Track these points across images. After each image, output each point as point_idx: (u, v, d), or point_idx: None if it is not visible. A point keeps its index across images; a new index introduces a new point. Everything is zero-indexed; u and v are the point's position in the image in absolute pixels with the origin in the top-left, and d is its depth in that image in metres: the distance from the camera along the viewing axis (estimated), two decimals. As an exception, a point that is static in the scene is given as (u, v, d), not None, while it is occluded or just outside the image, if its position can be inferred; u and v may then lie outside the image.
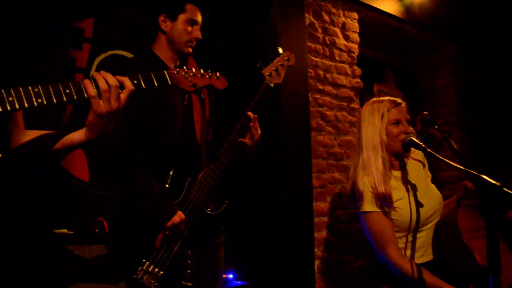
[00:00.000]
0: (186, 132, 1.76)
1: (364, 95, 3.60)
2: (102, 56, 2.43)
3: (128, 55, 2.50)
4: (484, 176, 1.40)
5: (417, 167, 2.26)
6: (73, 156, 2.18)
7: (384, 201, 2.03)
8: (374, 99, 2.24)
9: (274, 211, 2.76)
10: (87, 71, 2.37)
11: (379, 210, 2.05)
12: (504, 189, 1.32)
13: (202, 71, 1.66)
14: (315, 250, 2.87)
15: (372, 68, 4.07)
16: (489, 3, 4.04)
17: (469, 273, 1.87)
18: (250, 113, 1.76)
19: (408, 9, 3.79)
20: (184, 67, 1.59)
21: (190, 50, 1.84)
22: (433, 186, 2.23)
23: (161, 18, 1.84)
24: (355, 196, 2.11)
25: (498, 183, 1.35)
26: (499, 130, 4.64)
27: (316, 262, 2.86)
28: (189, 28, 1.81)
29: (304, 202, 2.83)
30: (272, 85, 1.86)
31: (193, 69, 1.62)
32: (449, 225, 1.97)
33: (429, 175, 2.27)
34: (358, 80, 3.31)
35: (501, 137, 4.63)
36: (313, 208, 2.86)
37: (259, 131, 1.78)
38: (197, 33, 1.84)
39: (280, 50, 1.93)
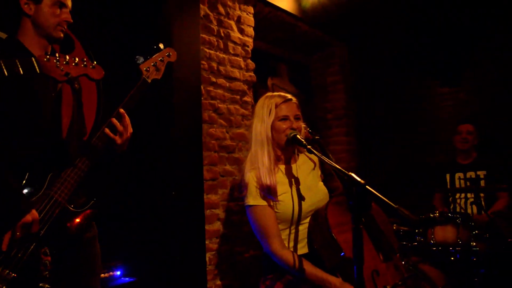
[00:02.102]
0: (51, 126, 1.64)
1: (258, 88, 3.66)
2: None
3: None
4: (352, 174, 1.49)
5: (308, 163, 2.36)
6: None
7: (269, 193, 2.11)
8: (267, 94, 2.30)
9: (165, 205, 2.71)
10: None
11: (263, 204, 2.12)
12: (367, 187, 1.42)
13: (77, 59, 1.56)
14: (207, 242, 2.87)
15: (267, 62, 4.16)
16: (379, 6, 4.31)
17: (337, 264, 1.99)
18: (121, 110, 1.69)
19: (302, 7, 3.92)
20: (56, 55, 1.48)
21: (61, 34, 1.71)
22: (320, 182, 2.34)
23: (23, 0, 1.68)
24: (242, 186, 2.18)
25: (362, 181, 1.44)
26: (383, 125, 5.02)
27: (208, 254, 2.87)
28: (57, 11, 1.68)
29: (195, 195, 2.81)
30: (149, 80, 1.81)
31: (67, 57, 1.51)
32: (320, 220, 2.08)
33: (317, 171, 2.37)
34: (252, 73, 3.35)
35: (385, 131, 5.01)
36: (204, 201, 2.86)
37: (130, 129, 1.72)
38: (67, 16, 1.71)
39: (161, 46, 1.88)
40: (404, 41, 4.82)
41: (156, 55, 1.86)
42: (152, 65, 1.83)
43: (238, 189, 2.25)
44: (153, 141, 2.76)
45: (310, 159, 2.38)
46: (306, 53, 4.78)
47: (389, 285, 1.96)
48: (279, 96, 2.25)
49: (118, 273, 2.63)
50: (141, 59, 1.82)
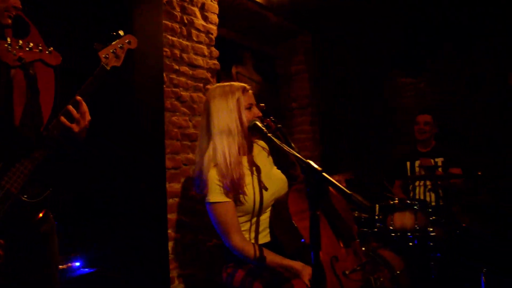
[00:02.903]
0: (1, 113, 1.58)
1: (222, 76, 3.64)
2: None
3: None
4: (310, 161, 1.51)
5: (261, 152, 2.35)
6: None
7: (234, 188, 2.05)
8: (222, 83, 2.22)
9: (126, 194, 2.68)
10: None
11: (224, 200, 2.07)
12: (324, 174, 1.44)
13: (31, 44, 1.50)
14: (169, 231, 2.85)
15: (231, 50, 4.14)
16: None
17: (297, 250, 2.02)
18: (78, 97, 1.65)
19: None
20: (8, 39, 1.42)
21: (9, 21, 1.64)
22: (278, 170, 2.34)
23: None
24: (201, 184, 2.09)
25: (320, 168, 1.46)
26: (347, 114, 5.10)
27: (170, 244, 2.85)
28: None
29: (157, 183, 2.79)
30: (108, 68, 1.76)
31: (20, 41, 1.46)
32: (281, 208, 2.10)
33: (271, 160, 2.38)
34: (215, 61, 3.32)
35: (348, 120, 5.08)
36: (167, 190, 2.83)
37: (88, 117, 1.67)
38: (15, 1, 1.64)
39: (121, 32, 1.83)
40: (368, 32, 4.89)
41: (115, 42, 1.81)
42: (112, 52, 1.78)
43: (196, 187, 2.14)
44: (114, 130, 2.71)
45: (263, 147, 2.36)
46: (271, 42, 4.78)
47: (348, 270, 2.00)
48: (241, 85, 2.19)
49: (78, 264, 2.58)
50: (100, 46, 1.77)
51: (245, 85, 2.20)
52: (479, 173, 3.28)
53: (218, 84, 2.23)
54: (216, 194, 2.07)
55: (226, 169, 2.04)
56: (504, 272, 3.51)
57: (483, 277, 3.17)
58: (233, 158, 2.05)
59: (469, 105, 4.46)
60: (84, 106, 1.66)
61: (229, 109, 2.10)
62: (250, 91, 2.20)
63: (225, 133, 2.08)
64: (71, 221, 2.48)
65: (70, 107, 1.63)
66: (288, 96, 4.83)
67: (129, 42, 1.85)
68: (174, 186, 2.91)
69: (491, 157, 4.30)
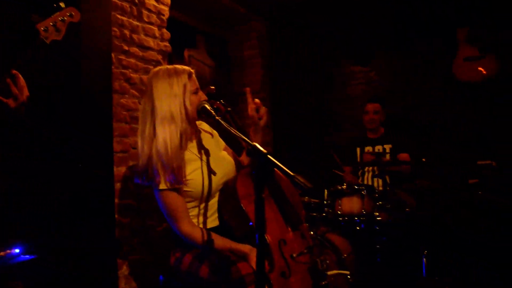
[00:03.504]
0: None
1: (174, 60, 3.57)
2: None
3: None
4: (256, 144, 1.51)
5: (207, 136, 2.32)
6: None
7: (176, 176, 2.00)
8: (166, 67, 2.11)
9: (70, 177, 2.58)
10: None
11: (171, 187, 2.02)
12: (269, 156, 1.44)
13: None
14: (116, 216, 2.79)
15: (184, 33, 4.06)
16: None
17: (246, 234, 2.03)
18: (14, 71, 1.56)
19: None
20: None
21: None
22: (225, 153, 2.32)
23: None
24: (148, 172, 2.01)
25: (265, 151, 1.46)
26: (297, 101, 5.14)
27: (117, 229, 2.79)
28: None
29: (104, 167, 2.71)
30: (48, 41, 1.68)
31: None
32: (229, 191, 2.09)
33: (222, 143, 2.37)
34: (167, 43, 3.25)
35: (299, 107, 5.13)
36: (114, 173, 2.76)
37: (26, 92, 1.59)
38: None
39: (62, 4, 1.74)
40: (321, 20, 4.93)
41: (55, 14, 1.72)
42: (52, 24, 1.70)
43: (142, 177, 2.04)
44: (58, 110, 2.59)
45: (207, 131, 2.33)
46: (224, 26, 4.73)
47: (295, 253, 2.03)
48: (185, 69, 2.11)
49: (17, 250, 2.47)
50: (39, 19, 1.68)
51: (190, 68, 2.13)
52: (424, 160, 3.40)
53: (161, 67, 2.12)
54: (162, 182, 2.02)
55: (168, 158, 1.97)
56: (444, 253, 3.69)
57: (424, 259, 3.31)
58: (175, 147, 1.99)
59: (416, 93, 4.61)
60: (22, 81, 1.58)
61: (173, 94, 2.02)
62: (194, 75, 2.14)
63: (167, 120, 2.00)
64: (11, 206, 2.36)
65: (8, 81, 1.55)
66: (240, 81, 4.81)
67: (70, 15, 1.76)
68: (122, 170, 2.84)
69: (436, 143, 4.48)
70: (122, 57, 2.86)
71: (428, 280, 3.28)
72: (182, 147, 2.03)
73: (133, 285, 2.89)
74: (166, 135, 1.99)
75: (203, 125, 2.33)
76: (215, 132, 2.38)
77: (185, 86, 2.04)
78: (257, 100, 2.16)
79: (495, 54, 4.21)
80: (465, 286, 3.32)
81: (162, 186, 2.02)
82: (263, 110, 2.17)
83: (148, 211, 2.99)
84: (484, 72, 4.22)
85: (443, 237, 3.99)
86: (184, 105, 2.03)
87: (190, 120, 2.08)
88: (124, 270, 2.84)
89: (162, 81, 2.04)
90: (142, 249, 2.96)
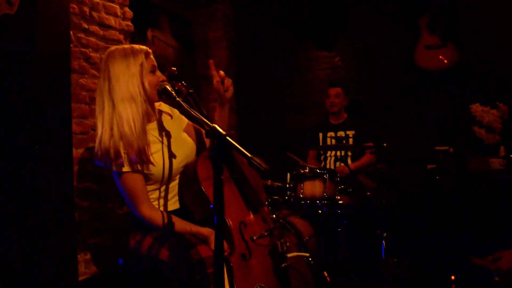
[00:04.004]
0: None
1: (136, 40, 3.48)
2: None
3: None
4: (215, 125, 1.50)
5: (167, 118, 2.28)
6: None
7: (140, 157, 1.96)
8: (122, 46, 2.07)
9: (26, 160, 2.49)
10: None
11: (131, 170, 1.98)
12: (227, 137, 1.44)
13: None
14: (76, 199, 2.73)
15: (148, 13, 3.96)
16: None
17: (206, 216, 2.02)
18: None
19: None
20: None
21: None
22: (186, 135, 2.30)
23: None
24: (109, 154, 1.96)
25: (224, 132, 1.46)
26: (262, 85, 5.14)
27: (77, 213, 2.73)
28: None
29: (63, 149, 2.63)
30: None
31: None
32: (190, 174, 2.08)
33: (182, 125, 2.34)
34: (129, 23, 3.16)
35: (264, 91, 5.13)
36: (73, 156, 2.69)
37: None
38: None
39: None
40: (287, 4, 4.92)
41: (7, -14, 1.64)
42: (3, -2, 1.62)
43: (101, 158, 1.98)
44: (11, 89, 2.49)
45: (166, 113, 2.29)
46: (189, 7, 4.64)
47: (255, 235, 2.04)
48: (142, 48, 2.06)
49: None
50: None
51: (147, 48, 2.09)
52: (385, 145, 3.47)
53: (117, 46, 2.07)
54: (127, 163, 1.98)
55: (132, 139, 1.93)
56: (403, 236, 3.81)
57: (384, 242, 3.40)
58: (138, 127, 1.95)
59: (379, 79, 4.67)
60: None
61: (131, 74, 1.97)
62: (152, 55, 2.10)
63: (127, 100, 1.95)
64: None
65: None
66: (205, 63, 4.75)
67: (24, -11, 1.68)
68: (82, 152, 2.77)
69: (397, 129, 4.58)
70: (82, 35, 2.77)
71: (387, 261, 3.38)
72: (144, 127, 1.99)
73: (93, 269, 2.85)
74: (128, 115, 1.94)
75: (162, 106, 2.29)
76: (175, 113, 2.34)
77: (142, 65, 1.99)
78: (221, 72, 2.16)
79: (455, 43, 4.31)
80: (423, 267, 3.44)
81: (125, 168, 1.98)
82: (228, 82, 2.17)
83: (109, 194, 2.94)
84: (445, 61, 4.32)
85: (403, 220, 4.12)
86: (143, 84, 1.99)
87: (150, 101, 2.05)
88: (84, 254, 2.79)
89: (119, 60, 1.99)
90: (102, 232, 2.91)
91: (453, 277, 2.96)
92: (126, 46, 2.06)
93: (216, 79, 2.15)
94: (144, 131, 1.98)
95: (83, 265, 2.78)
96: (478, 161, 3.87)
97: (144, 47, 2.07)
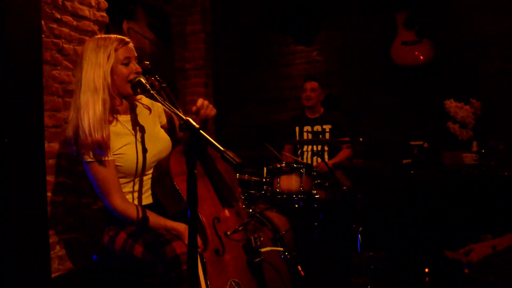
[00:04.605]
0: None
1: (112, 31, 3.42)
2: None
3: None
4: (189, 119, 1.48)
5: (145, 111, 2.26)
6: None
7: (100, 149, 1.95)
8: (98, 36, 2.07)
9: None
10: None
11: (94, 160, 1.98)
12: (201, 131, 1.42)
13: None
14: (49, 194, 2.67)
15: (123, 4, 3.89)
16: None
17: (179, 212, 2.01)
18: None
19: None
20: None
21: None
22: (162, 131, 2.27)
23: None
24: (76, 142, 1.96)
25: (197, 126, 1.44)
26: (239, 78, 5.12)
27: (50, 208, 2.67)
28: None
29: (35, 143, 2.56)
30: None
31: None
32: (163, 169, 2.06)
33: (162, 120, 2.31)
34: (104, 13, 3.09)
35: (241, 84, 5.11)
36: (46, 150, 2.62)
37: None
38: None
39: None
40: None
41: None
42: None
43: (70, 142, 1.99)
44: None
45: (146, 106, 2.28)
46: (167, -1, 4.59)
47: (229, 231, 2.03)
48: (117, 38, 2.06)
49: None
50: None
51: (125, 38, 2.07)
52: (361, 139, 3.49)
53: (96, 36, 2.08)
54: (89, 154, 1.98)
55: (89, 130, 1.93)
56: (378, 230, 3.86)
57: (360, 236, 3.44)
58: (96, 118, 1.94)
59: (356, 75, 4.70)
60: None
61: (97, 64, 1.98)
62: (131, 45, 2.08)
63: (90, 90, 1.97)
64: None
65: None
66: (182, 56, 4.71)
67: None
68: (55, 146, 2.71)
69: (373, 124, 4.62)
70: (54, 25, 2.70)
71: (362, 255, 3.41)
72: (106, 119, 1.99)
73: (67, 265, 2.80)
74: (89, 105, 1.95)
75: (143, 100, 2.27)
76: (157, 108, 2.32)
77: (109, 56, 2.00)
78: (199, 102, 2.11)
79: (431, 39, 4.36)
80: (398, 260, 3.49)
81: (87, 158, 1.98)
82: (204, 111, 2.11)
83: (83, 189, 2.89)
84: (421, 57, 4.37)
85: (378, 215, 4.16)
86: (110, 75, 1.99)
87: (118, 93, 2.06)
88: (57, 250, 2.74)
89: (90, 51, 2.01)
90: (77, 228, 2.86)
91: (427, 270, 3.01)
92: (102, 36, 2.06)
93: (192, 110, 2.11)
94: (105, 122, 1.97)
95: (57, 261, 2.73)
96: (451, 155, 3.94)
97: (121, 37, 2.06)
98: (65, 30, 2.78)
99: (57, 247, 2.74)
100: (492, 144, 3.77)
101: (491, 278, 1.60)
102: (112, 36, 2.06)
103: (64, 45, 2.77)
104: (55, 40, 2.70)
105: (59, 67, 2.74)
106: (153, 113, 2.29)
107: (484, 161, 3.72)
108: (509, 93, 4.14)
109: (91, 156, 1.97)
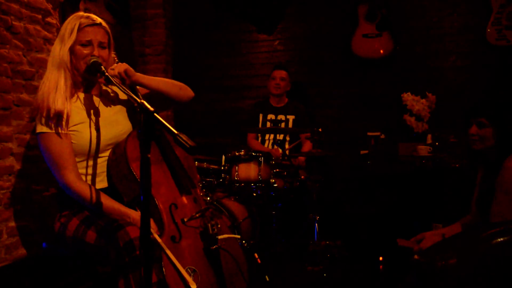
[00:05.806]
0: None
1: (68, 12, 3.27)
2: None
3: None
4: (144, 101, 1.44)
5: (112, 95, 2.22)
6: None
7: (59, 121, 1.95)
8: (77, 13, 2.08)
9: None
10: None
11: (55, 132, 1.95)
12: (155, 114, 1.39)
13: None
14: (-3, 180, 2.55)
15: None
16: None
17: (135, 198, 1.96)
18: None
19: None
20: None
21: None
22: (125, 116, 2.21)
23: None
24: (33, 112, 2.05)
25: (152, 109, 1.41)
26: (200, 65, 5.04)
27: (-1, 193, 2.55)
28: None
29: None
30: None
31: None
32: (119, 153, 2.01)
33: (127, 106, 2.25)
34: (58, -9, 2.96)
35: (201, 72, 5.04)
36: (-8, 133, 2.50)
37: None
38: None
39: None
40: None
41: None
42: None
43: (35, 115, 2.02)
44: None
45: (113, 91, 2.24)
46: (127, -20, 4.45)
47: (186, 217, 2.01)
48: (87, 17, 2.04)
49: None
50: None
51: (96, 19, 2.06)
52: (320, 130, 3.52)
53: (75, 13, 2.10)
54: (45, 124, 1.96)
55: (48, 100, 1.96)
56: (333, 219, 3.93)
57: (316, 224, 3.48)
58: (59, 91, 1.98)
59: (316, 65, 4.73)
60: None
61: (63, 41, 2.02)
62: (100, 28, 2.07)
63: (56, 64, 2.02)
64: None
65: None
66: (142, 41, 4.59)
67: None
68: (3, 130, 2.57)
69: (333, 115, 4.68)
70: (1, 0, 2.55)
71: (319, 244, 3.46)
72: (68, 93, 2.01)
73: (15, 254, 2.68)
74: (51, 78, 2.00)
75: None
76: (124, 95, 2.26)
77: (72, 32, 2.01)
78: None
79: (390, 33, 4.44)
80: (353, 248, 3.56)
81: (41, 128, 1.97)
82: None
83: (34, 175, 2.77)
84: (381, 50, 4.44)
85: (335, 204, 4.24)
86: (68, 52, 2.01)
87: (78, 71, 2.05)
88: (4, 239, 2.62)
89: (64, 25, 2.05)
90: (26, 215, 2.74)
91: (381, 258, 3.08)
92: (79, 13, 2.09)
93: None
94: (66, 97, 2.00)
95: (3, 250, 2.61)
96: (407, 147, 4.04)
97: (91, 16, 2.07)
98: (15, 6, 2.63)
99: (4, 236, 2.62)
100: (444, 137, 3.89)
101: (439, 263, 1.66)
102: (85, 14, 2.07)
103: (14, 23, 2.62)
104: (3, 16, 2.55)
105: (8, 46, 2.59)
106: (121, 97, 2.25)
107: (437, 153, 3.84)
108: (462, 88, 4.29)
109: (51, 127, 1.96)
